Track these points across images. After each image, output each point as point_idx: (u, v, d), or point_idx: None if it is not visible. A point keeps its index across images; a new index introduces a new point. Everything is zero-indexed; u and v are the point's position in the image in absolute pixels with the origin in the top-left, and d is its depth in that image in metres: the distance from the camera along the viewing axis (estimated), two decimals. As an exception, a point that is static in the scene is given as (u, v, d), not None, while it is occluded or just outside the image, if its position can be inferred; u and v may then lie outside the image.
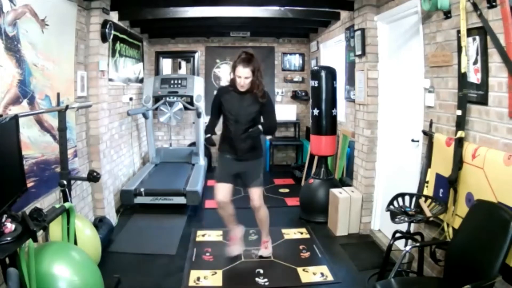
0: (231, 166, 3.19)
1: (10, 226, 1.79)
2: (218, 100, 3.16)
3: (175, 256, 3.38)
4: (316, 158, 4.78)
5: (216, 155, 3.33)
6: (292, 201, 4.92)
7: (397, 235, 2.56)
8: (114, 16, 4.36)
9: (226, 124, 3.17)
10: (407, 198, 2.58)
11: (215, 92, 3.30)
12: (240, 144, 3.11)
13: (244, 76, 2.94)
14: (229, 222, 3.38)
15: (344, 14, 4.65)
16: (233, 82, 3.06)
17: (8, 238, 1.74)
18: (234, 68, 2.99)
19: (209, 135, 3.20)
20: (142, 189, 4.43)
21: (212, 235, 3.78)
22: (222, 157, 3.25)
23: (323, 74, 4.19)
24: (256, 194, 3.22)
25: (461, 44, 2.26)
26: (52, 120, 2.89)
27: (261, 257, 3.35)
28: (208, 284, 2.92)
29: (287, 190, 5.50)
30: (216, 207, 3.30)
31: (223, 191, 3.17)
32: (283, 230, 3.96)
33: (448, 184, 2.35)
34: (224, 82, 6.37)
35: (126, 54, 5.07)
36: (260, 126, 3.13)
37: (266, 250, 3.39)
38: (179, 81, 5.84)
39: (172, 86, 5.79)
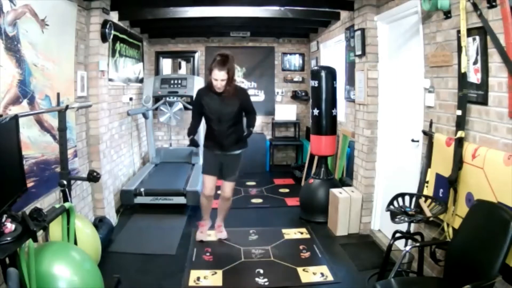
0: (217, 159, 3.47)
1: (10, 226, 1.79)
2: (199, 102, 3.36)
3: (175, 256, 3.38)
4: (316, 158, 4.78)
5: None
6: (292, 201, 4.92)
7: (397, 235, 2.56)
8: (114, 16, 4.36)
9: (209, 124, 3.39)
10: (407, 198, 2.58)
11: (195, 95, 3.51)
12: (225, 140, 3.36)
13: (220, 78, 3.14)
14: (206, 212, 3.73)
15: (344, 14, 4.65)
16: (210, 83, 3.25)
17: (8, 238, 1.74)
18: (210, 71, 3.18)
19: (192, 136, 3.44)
20: (142, 189, 4.43)
21: (212, 235, 3.78)
22: (208, 152, 3.50)
23: (323, 74, 4.19)
24: (229, 187, 3.56)
25: (461, 44, 2.26)
26: (52, 120, 2.89)
27: (220, 239, 3.67)
28: (208, 284, 2.92)
29: (287, 190, 5.49)
30: (202, 197, 3.65)
31: (210, 183, 3.52)
32: (283, 230, 3.96)
33: (448, 184, 2.35)
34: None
35: (126, 54, 5.07)
36: (245, 127, 3.48)
37: (223, 233, 3.73)
38: (179, 81, 5.84)
39: (172, 86, 5.79)
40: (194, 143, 3.49)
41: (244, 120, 3.52)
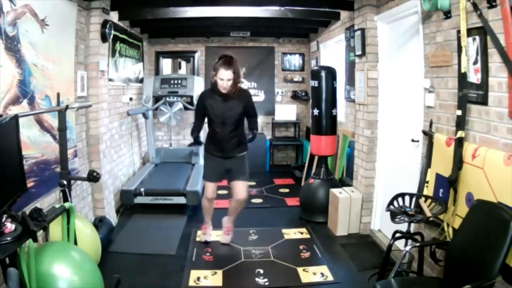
0: (219, 165, 3.42)
1: (10, 226, 1.79)
2: (202, 105, 3.32)
3: (175, 256, 3.38)
4: (316, 158, 4.78)
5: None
6: (292, 201, 4.92)
7: (397, 235, 2.56)
8: (114, 16, 4.36)
9: (212, 127, 3.35)
10: (407, 198, 2.58)
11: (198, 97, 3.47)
12: (227, 143, 3.32)
13: (226, 78, 3.09)
14: (208, 215, 3.70)
15: (344, 14, 4.65)
16: (215, 85, 3.19)
17: (8, 238, 1.74)
18: (215, 71, 3.13)
19: (196, 134, 3.47)
20: (142, 189, 4.43)
21: (212, 235, 3.77)
22: (209, 156, 3.46)
23: (323, 74, 4.19)
24: (243, 187, 3.46)
25: (461, 44, 2.25)
26: (52, 120, 2.89)
27: (223, 244, 3.60)
28: (208, 284, 2.92)
29: (287, 190, 5.49)
30: (204, 199, 3.61)
31: (212, 188, 3.48)
32: (283, 230, 3.96)
33: (448, 184, 2.35)
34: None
35: (126, 54, 5.07)
36: (246, 132, 3.45)
37: (228, 236, 3.65)
38: (179, 81, 5.84)
39: (172, 86, 5.79)
40: (197, 141, 3.51)
41: (245, 124, 3.47)
